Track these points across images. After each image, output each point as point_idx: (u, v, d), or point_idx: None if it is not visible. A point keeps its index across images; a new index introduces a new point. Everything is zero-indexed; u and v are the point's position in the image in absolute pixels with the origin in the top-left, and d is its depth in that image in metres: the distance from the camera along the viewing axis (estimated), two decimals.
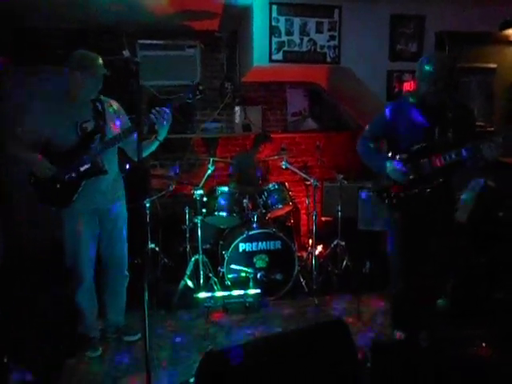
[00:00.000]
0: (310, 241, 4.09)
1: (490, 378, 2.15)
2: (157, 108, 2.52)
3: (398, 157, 2.59)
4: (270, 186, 3.88)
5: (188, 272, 3.55)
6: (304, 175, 3.90)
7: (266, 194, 3.84)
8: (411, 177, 2.53)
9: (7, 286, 3.46)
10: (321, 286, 3.71)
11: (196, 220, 3.60)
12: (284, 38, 3.73)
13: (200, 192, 3.60)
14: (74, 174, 2.56)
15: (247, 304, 3.40)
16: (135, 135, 2.51)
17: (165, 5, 3.76)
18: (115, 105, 2.76)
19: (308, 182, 4.04)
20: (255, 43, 3.74)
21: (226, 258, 3.53)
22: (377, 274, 3.92)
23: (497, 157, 2.32)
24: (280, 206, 3.83)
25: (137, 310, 2.16)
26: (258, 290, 3.46)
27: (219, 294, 3.44)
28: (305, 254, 4.18)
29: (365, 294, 3.62)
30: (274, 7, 3.68)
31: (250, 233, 3.57)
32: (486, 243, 3.27)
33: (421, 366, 2.14)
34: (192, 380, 2.40)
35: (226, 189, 3.77)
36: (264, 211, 3.81)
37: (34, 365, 2.54)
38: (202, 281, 3.56)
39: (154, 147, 2.71)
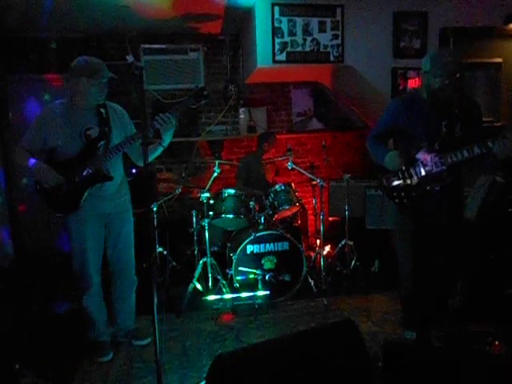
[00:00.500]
0: (318, 241, 4.08)
1: (503, 376, 2.12)
2: (161, 114, 2.52)
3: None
4: (277, 187, 3.87)
5: (196, 275, 3.55)
6: (310, 175, 3.88)
7: (272, 195, 3.84)
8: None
9: (17, 290, 3.48)
10: (329, 287, 3.70)
11: (203, 223, 3.60)
12: (287, 38, 3.74)
13: (206, 195, 3.61)
14: (79, 182, 2.56)
15: (256, 306, 3.40)
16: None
17: (167, 8, 3.78)
18: (120, 110, 2.77)
19: (314, 182, 4.03)
20: (258, 45, 3.75)
21: (234, 260, 3.52)
22: (386, 273, 3.91)
23: (509, 154, 2.30)
24: (287, 207, 3.82)
25: (146, 314, 2.16)
26: (267, 292, 3.46)
27: (228, 296, 3.44)
28: (313, 255, 4.17)
29: (374, 293, 3.61)
30: (276, 8, 3.68)
31: (258, 234, 3.56)
32: (496, 240, 3.24)
33: (433, 365, 2.11)
34: (203, 383, 2.40)
35: (232, 191, 3.77)
36: (271, 212, 3.81)
37: (46, 371, 2.56)
38: (210, 283, 3.56)
39: (158, 152, 2.71)
